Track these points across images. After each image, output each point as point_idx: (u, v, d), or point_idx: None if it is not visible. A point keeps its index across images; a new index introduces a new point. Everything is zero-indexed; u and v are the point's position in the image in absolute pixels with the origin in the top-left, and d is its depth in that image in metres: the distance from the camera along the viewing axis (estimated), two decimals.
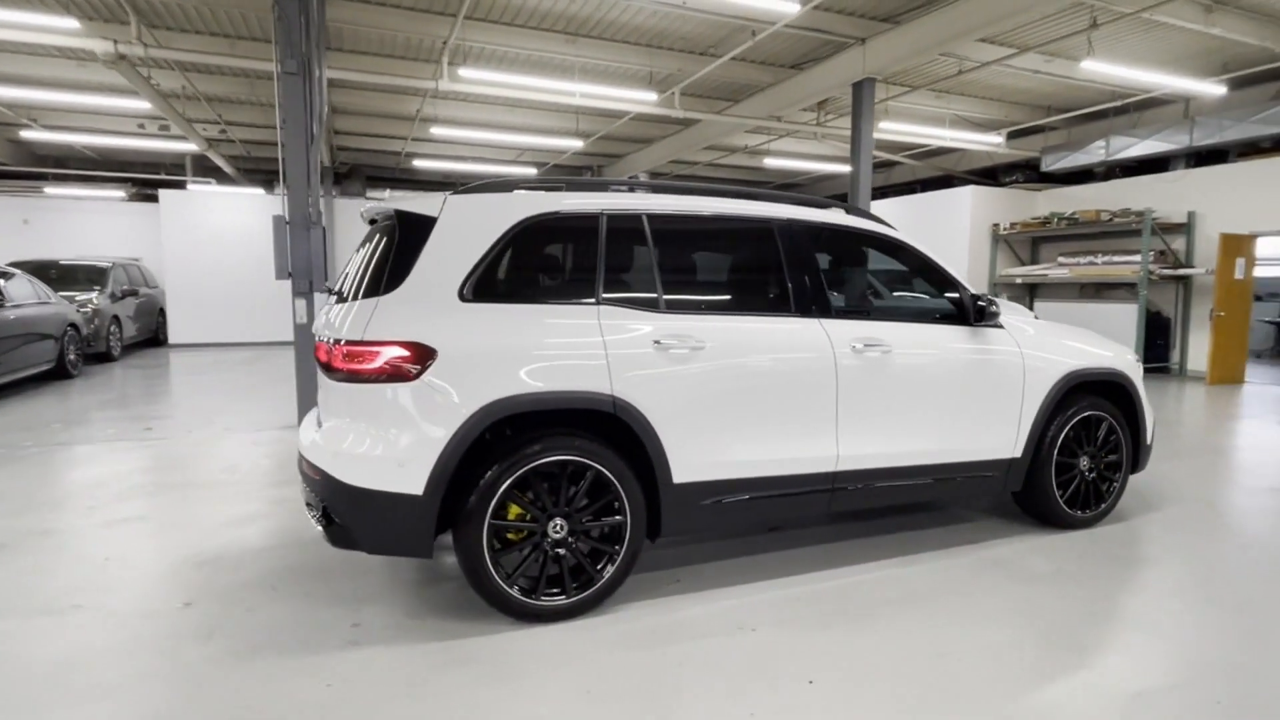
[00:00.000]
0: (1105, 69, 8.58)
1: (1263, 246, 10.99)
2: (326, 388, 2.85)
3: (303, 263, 6.54)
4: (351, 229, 16.27)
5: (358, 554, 3.47)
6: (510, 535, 2.76)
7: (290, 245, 6.49)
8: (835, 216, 3.55)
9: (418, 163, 15.72)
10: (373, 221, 3.30)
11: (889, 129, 11.51)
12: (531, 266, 2.97)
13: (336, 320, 2.85)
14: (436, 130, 12.41)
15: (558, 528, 2.79)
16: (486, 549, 2.67)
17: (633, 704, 2.28)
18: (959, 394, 3.55)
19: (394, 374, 2.60)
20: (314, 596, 3.05)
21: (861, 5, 8.26)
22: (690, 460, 2.96)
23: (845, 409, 3.27)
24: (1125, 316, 11.06)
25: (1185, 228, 11.07)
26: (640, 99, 10.01)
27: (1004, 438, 3.67)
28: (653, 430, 2.87)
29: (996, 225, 13.20)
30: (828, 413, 3.24)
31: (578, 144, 13.28)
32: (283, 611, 2.90)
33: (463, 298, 2.74)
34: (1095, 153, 12.15)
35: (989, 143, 12.69)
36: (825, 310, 3.34)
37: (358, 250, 3.57)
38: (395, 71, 9.82)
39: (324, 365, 2.81)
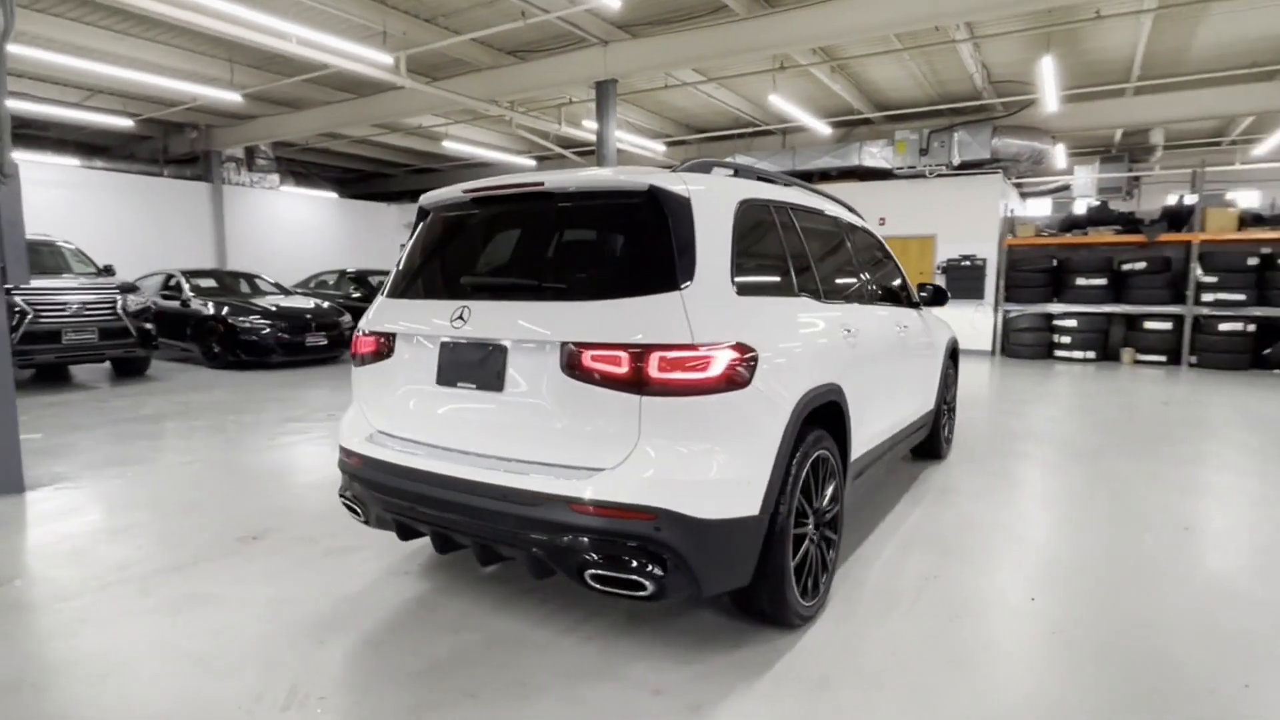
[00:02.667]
0: (785, 105, 10.79)
1: None
2: (606, 407, 2.21)
3: None
4: None
5: (446, 617, 2.68)
6: None
7: None
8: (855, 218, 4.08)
9: None
10: (532, 197, 2.59)
11: (591, 127, 12.27)
12: (748, 255, 2.76)
13: (594, 323, 2.24)
14: (15, 49, 8.55)
15: (813, 524, 2.73)
16: (790, 559, 2.49)
17: (1005, 666, 2.51)
18: (924, 363, 4.47)
19: (730, 381, 2.21)
20: (540, 686, 2.32)
21: (615, 13, 8.73)
22: (856, 439, 3.18)
23: (900, 382, 3.86)
24: None
25: None
26: (373, 59, 8.68)
27: (931, 396, 4.74)
28: (849, 415, 3.01)
29: None
30: (894, 386, 3.78)
31: (233, 96, 10.68)
32: (536, 714, 2.17)
33: (735, 290, 2.45)
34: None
35: (655, 150, 14.51)
36: (876, 298, 3.86)
37: (491, 235, 2.73)
38: None
39: (612, 380, 2.18)
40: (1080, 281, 11.97)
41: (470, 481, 2.36)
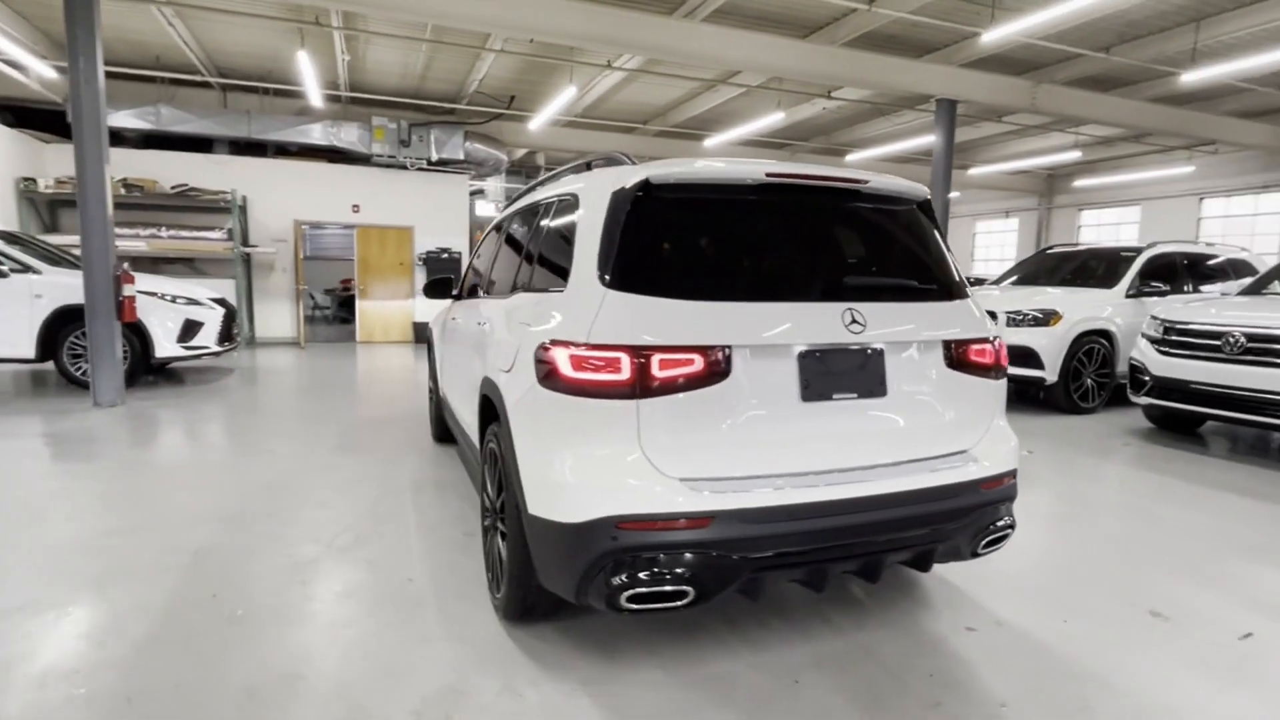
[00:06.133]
0: (307, 67, 9.17)
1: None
2: (978, 394, 2.49)
3: None
4: None
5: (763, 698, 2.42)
6: None
7: None
8: None
9: None
10: (837, 193, 2.42)
11: None
12: None
13: (962, 320, 2.49)
14: None
15: None
16: None
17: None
18: None
19: None
20: (929, 697, 2.40)
21: None
22: None
23: None
24: (228, 290, 11.53)
25: (243, 209, 12.30)
26: None
27: None
28: None
29: (29, 180, 10.59)
30: None
31: None
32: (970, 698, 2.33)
33: None
34: (146, 117, 11.47)
35: (45, 75, 9.90)
36: None
37: (782, 228, 2.34)
38: None
39: (985, 370, 2.45)
40: None
41: (883, 496, 2.21)
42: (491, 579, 2.79)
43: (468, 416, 3.47)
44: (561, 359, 2.12)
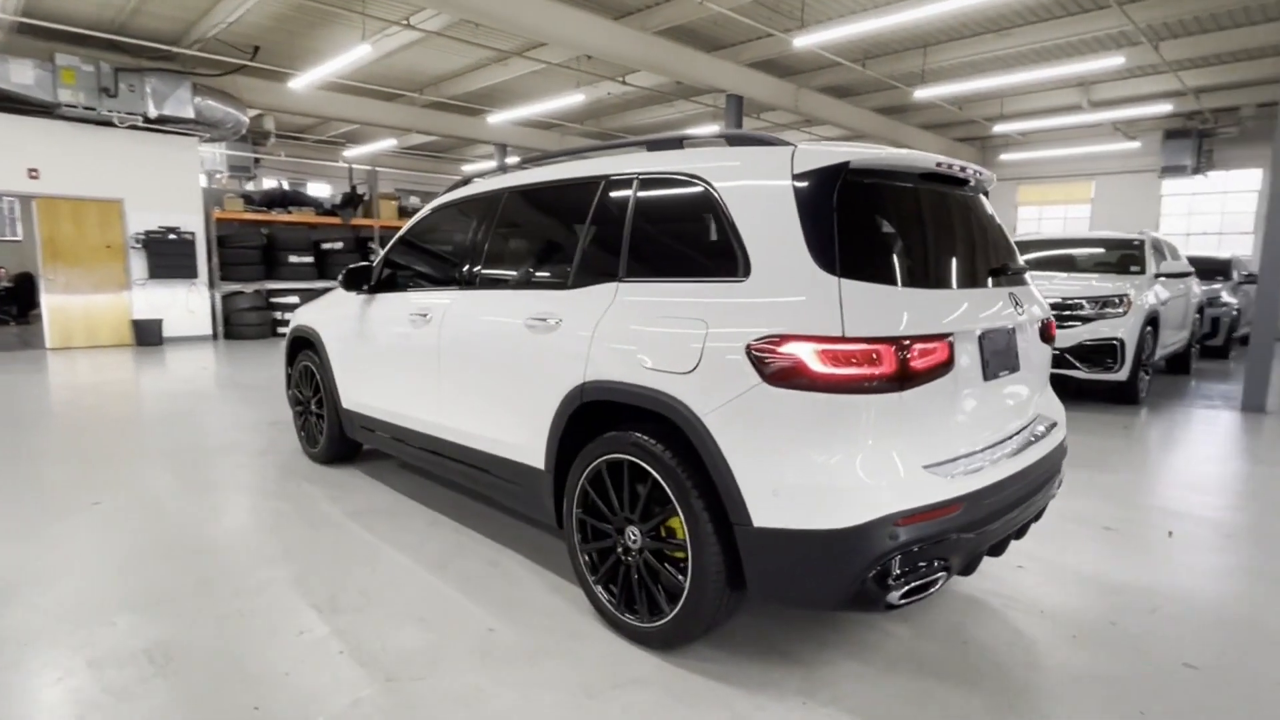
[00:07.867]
0: None
1: None
2: (1048, 362, 2.87)
3: None
4: None
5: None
6: None
7: None
8: None
9: None
10: (957, 182, 2.55)
11: None
12: None
13: (1037, 299, 2.81)
14: None
15: None
16: None
17: None
18: None
19: None
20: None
21: None
22: None
23: None
24: None
25: None
26: None
27: None
28: None
29: None
30: None
31: None
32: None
33: None
34: None
35: None
36: None
37: (927, 216, 2.43)
38: None
39: (1051, 340, 2.81)
40: (292, 259, 12.43)
41: (1043, 460, 2.46)
42: (623, 607, 2.47)
43: (499, 432, 2.97)
44: (807, 354, 1.96)
